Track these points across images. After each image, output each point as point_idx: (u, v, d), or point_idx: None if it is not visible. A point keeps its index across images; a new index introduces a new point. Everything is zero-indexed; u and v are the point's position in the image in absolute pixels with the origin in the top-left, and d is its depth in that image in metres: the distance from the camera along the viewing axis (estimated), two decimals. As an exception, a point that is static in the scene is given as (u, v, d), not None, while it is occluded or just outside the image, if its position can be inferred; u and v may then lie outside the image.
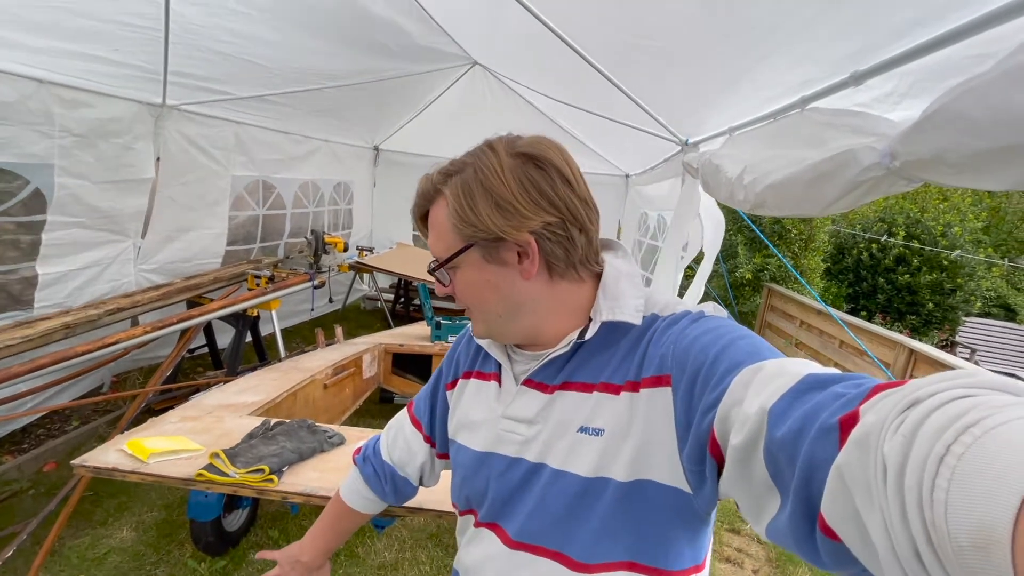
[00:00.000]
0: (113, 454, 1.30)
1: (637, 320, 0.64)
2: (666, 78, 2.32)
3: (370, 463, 0.90)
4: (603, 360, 0.64)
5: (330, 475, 1.35)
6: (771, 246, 3.01)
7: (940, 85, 0.94)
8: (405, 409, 0.92)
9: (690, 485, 0.56)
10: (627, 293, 0.65)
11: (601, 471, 0.60)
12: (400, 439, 0.89)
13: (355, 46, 3.32)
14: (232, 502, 2.16)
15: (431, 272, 0.68)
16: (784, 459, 0.40)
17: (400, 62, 3.82)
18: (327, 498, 1.25)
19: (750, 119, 1.86)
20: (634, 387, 0.60)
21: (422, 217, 0.70)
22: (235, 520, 2.25)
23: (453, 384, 0.82)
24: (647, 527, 0.59)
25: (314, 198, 5.27)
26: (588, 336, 0.65)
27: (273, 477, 1.25)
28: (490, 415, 0.73)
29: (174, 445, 1.34)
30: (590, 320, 0.66)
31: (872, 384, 0.38)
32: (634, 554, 0.60)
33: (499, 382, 0.74)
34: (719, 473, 0.50)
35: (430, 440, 0.87)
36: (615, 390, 0.62)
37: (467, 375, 0.80)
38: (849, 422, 0.35)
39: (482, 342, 0.76)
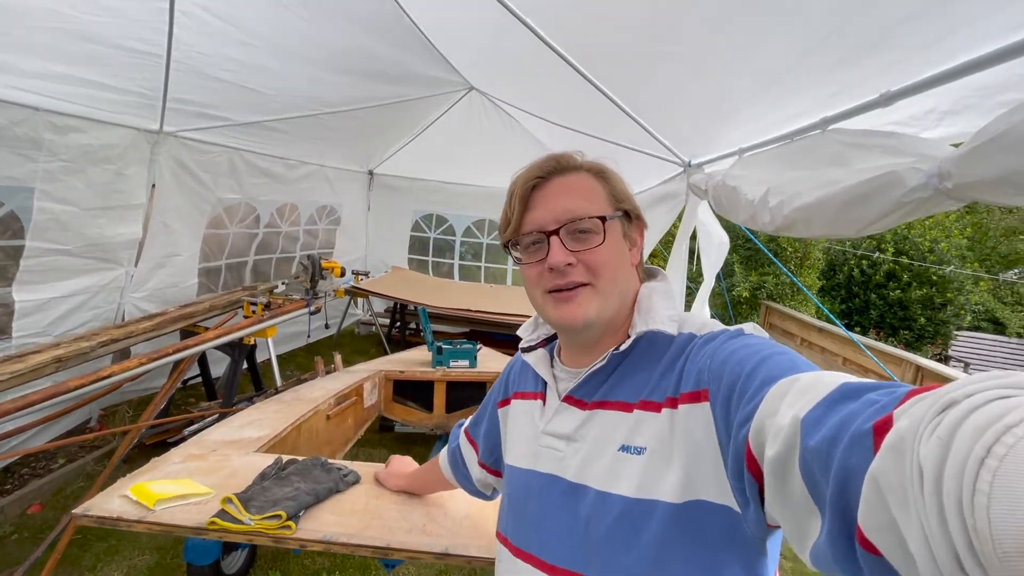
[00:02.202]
0: (116, 501, 1.21)
1: (671, 328, 0.66)
2: (670, 101, 2.33)
3: (459, 430, 1.04)
4: (642, 379, 0.64)
5: (348, 518, 1.26)
6: (776, 261, 3.00)
7: (988, 102, 0.93)
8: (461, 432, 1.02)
9: (738, 504, 0.53)
10: (658, 305, 0.68)
11: (646, 492, 0.58)
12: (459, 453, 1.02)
13: (355, 73, 3.31)
14: (230, 543, 2.04)
15: (606, 219, 0.67)
16: (819, 469, 0.38)
17: (398, 88, 3.83)
18: (348, 544, 1.17)
19: (763, 140, 1.85)
20: (673, 404, 0.59)
21: (549, 173, 0.70)
22: (234, 562, 2.12)
23: (506, 402, 0.86)
24: (702, 553, 0.55)
25: (290, 217, 5.16)
26: (623, 348, 0.66)
27: (291, 523, 1.16)
28: (533, 431, 0.74)
29: (181, 489, 1.25)
30: (628, 336, 0.67)
31: (907, 389, 0.37)
32: None
33: (544, 400, 0.75)
34: (760, 493, 0.48)
35: (484, 465, 0.94)
36: (656, 408, 0.61)
37: (517, 395, 0.82)
38: (883, 427, 0.34)
39: (528, 357, 0.78)
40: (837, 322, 2.34)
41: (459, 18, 2.82)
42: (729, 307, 6.31)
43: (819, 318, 5.58)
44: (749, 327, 0.62)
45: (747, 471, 0.49)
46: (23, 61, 2.20)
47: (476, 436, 0.96)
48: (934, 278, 7.15)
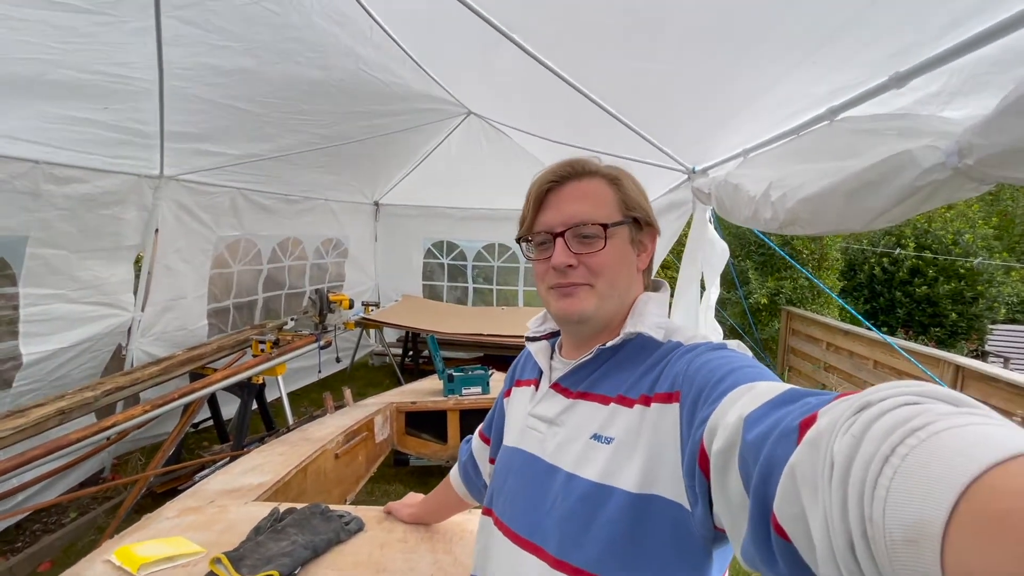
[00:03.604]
0: (99, 567, 1.13)
1: (657, 334, 0.70)
2: (669, 107, 2.27)
3: (467, 445, 1.09)
4: (624, 377, 0.69)
5: (350, 572, 1.16)
6: (795, 263, 2.89)
7: (1005, 76, 0.84)
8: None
9: (688, 502, 0.56)
10: (650, 312, 0.73)
11: (607, 479, 0.62)
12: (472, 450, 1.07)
13: (349, 102, 3.29)
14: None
15: (608, 226, 0.71)
16: (751, 462, 0.41)
17: (395, 117, 3.82)
18: (347, 603, 1.07)
19: (768, 138, 1.77)
20: (646, 401, 0.63)
21: (563, 178, 0.74)
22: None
23: (509, 392, 0.92)
24: (650, 547, 0.59)
25: (294, 252, 5.16)
26: (610, 344, 0.71)
27: (284, 582, 1.07)
28: (523, 413, 0.80)
29: (170, 550, 1.16)
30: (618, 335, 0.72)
31: (838, 394, 0.39)
32: (633, 574, 0.60)
33: (537, 386, 0.82)
34: (709, 491, 0.50)
35: (494, 461, 0.95)
36: (629, 403, 0.65)
37: (518, 383, 0.89)
38: (807, 424, 0.37)
39: (532, 347, 0.85)
40: (869, 325, 2.20)
41: (448, 41, 2.81)
42: (748, 315, 6.13)
43: (843, 320, 5.38)
44: (733, 344, 0.65)
45: (699, 468, 0.52)
46: (16, 110, 2.19)
47: (489, 432, 1.00)
48: (961, 271, 6.86)
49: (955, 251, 7.00)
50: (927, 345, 5.96)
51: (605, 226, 0.70)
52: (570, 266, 0.71)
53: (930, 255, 6.98)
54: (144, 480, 2.61)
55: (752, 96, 1.65)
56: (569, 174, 0.74)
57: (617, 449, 0.63)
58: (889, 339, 2.33)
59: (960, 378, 3.15)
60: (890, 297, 7.31)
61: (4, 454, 2.07)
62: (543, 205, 0.74)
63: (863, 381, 4.22)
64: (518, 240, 0.79)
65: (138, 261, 3.39)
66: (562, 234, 0.71)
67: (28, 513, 2.73)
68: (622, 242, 0.73)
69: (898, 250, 7.09)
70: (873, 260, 7.52)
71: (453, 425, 3.18)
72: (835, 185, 1.15)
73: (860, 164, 1.06)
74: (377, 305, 5.51)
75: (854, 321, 5.63)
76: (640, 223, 0.75)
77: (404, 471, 3.58)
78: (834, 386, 4.71)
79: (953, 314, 6.83)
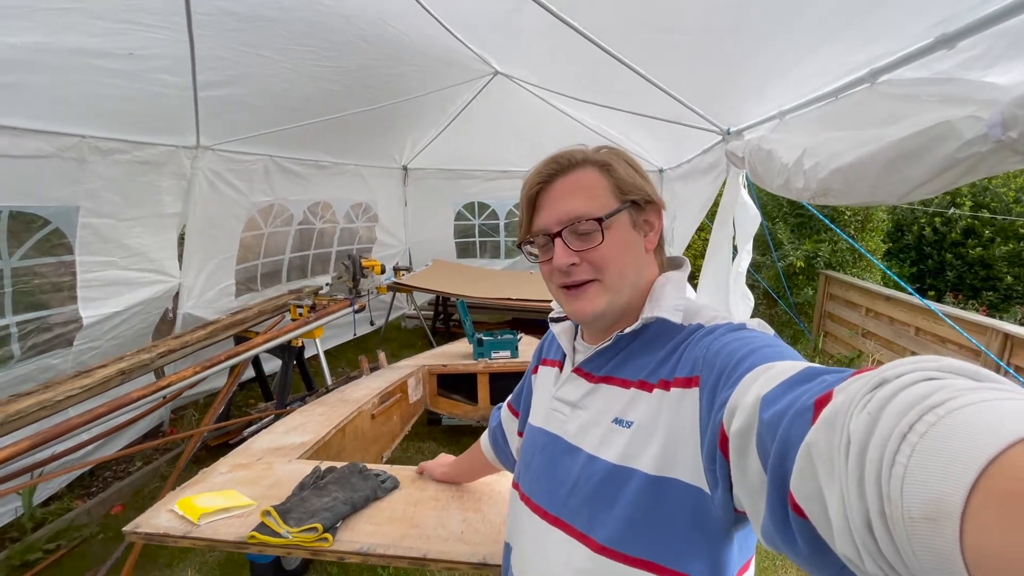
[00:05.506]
0: (164, 516, 1.26)
1: (675, 317, 0.69)
2: (703, 68, 2.17)
3: (498, 412, 1.14)
4: (645, 361, 0.69)
5: (386, 527, 1.26)
6: (834, 227, 2.78)
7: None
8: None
9: (708, 485, 0.57)
10: (668, 295, 0.72)
11: (626, 460, 0.64)
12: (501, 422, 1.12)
13: (372, 51, 3.19)
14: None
15: (602, 219, 0.69)
16: (769, 441, 0.41)
17: (418, 67, 3.73)
18: (386, 556, 1.17)
19: (805, 100, 1.69)
20: (666, 386, 0.64)
21: (551, 176, 0.73)
22: (293, 559, 2.22)
23: (536, 370, 0.94)
24: (669, 527, 0.60)
25: (324, 215, 5.26)
26: (628, 331, 0.71)
27: (327, 536, 1.17)
28: (548, 394, 0.82)
29: (225, 502, 1.29)
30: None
31: (855, 372, 0.39)
32: (652, 553, 0.61)
33: (561, 368, 0.83)
34: (730, 475, 0.51)
35: (522, 435, 0.97)
36: (649, 388, 0.66)
37: (545, 362, 0.91)
38: (823, 402, 0.37)
39: (555, 328, 0.86)
40: (910, 290, 2.11)
41: (473, 2, 2.73)
42: (783, 278, 5.95)
43: (888, 285, 5.17)
44: (753, 323, 0.64)
45: (719, 451, 0.52)
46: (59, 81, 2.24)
47: (518, 406, 1.04)
48: (1022, 231, 6.43)
49: (1016, 209, 6.53)
50: (978, 311, 5.69)
51: (600, 220, 0.68)
52: (573, 264, 0.70)
53: (987, 215, 6.55)
54: (199, 435, 2.82)
55: (789, 64, 1.56)
56: (555, 171, 0.72)
57: (637, 432, 0.65)
58: (933, 305, 2.23)
59: (1008, 346, 3.01)
60: (939, 259, 6.94)
61: (75, 411, 2.28)
62: (536, 206, 0.74)
63: (903, 348, 4.10)
64: (519, 245, 0.79)
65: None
66: (559, 234, 0.70)
67: (100, 462, 3.00)
68: (623, 229, 0.71)
69: (952, 210, 6.67)
70: (923, 220, 7.11)
71: (483, 387, 3.29)
72: (871, 155, 1.11)
73: (898, 133, 1.02)
74: (408, 269, 5.61)
75: (897, 285, 5.39)
76: (640, 204, 0.72)
77: (437, 430, 3.75)
78: (872, 352, 4.59)
79: (1008, 277, 6.45)
